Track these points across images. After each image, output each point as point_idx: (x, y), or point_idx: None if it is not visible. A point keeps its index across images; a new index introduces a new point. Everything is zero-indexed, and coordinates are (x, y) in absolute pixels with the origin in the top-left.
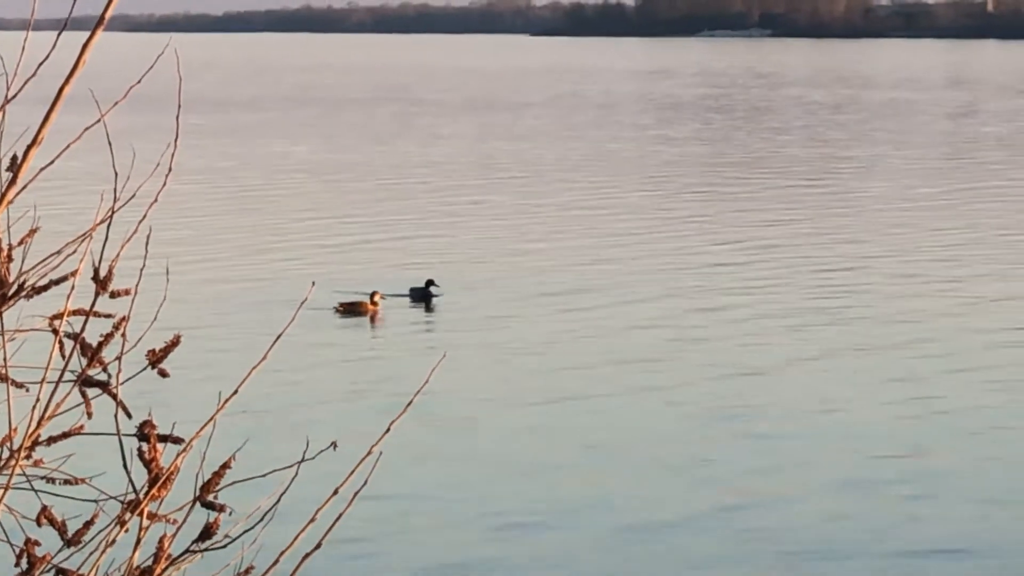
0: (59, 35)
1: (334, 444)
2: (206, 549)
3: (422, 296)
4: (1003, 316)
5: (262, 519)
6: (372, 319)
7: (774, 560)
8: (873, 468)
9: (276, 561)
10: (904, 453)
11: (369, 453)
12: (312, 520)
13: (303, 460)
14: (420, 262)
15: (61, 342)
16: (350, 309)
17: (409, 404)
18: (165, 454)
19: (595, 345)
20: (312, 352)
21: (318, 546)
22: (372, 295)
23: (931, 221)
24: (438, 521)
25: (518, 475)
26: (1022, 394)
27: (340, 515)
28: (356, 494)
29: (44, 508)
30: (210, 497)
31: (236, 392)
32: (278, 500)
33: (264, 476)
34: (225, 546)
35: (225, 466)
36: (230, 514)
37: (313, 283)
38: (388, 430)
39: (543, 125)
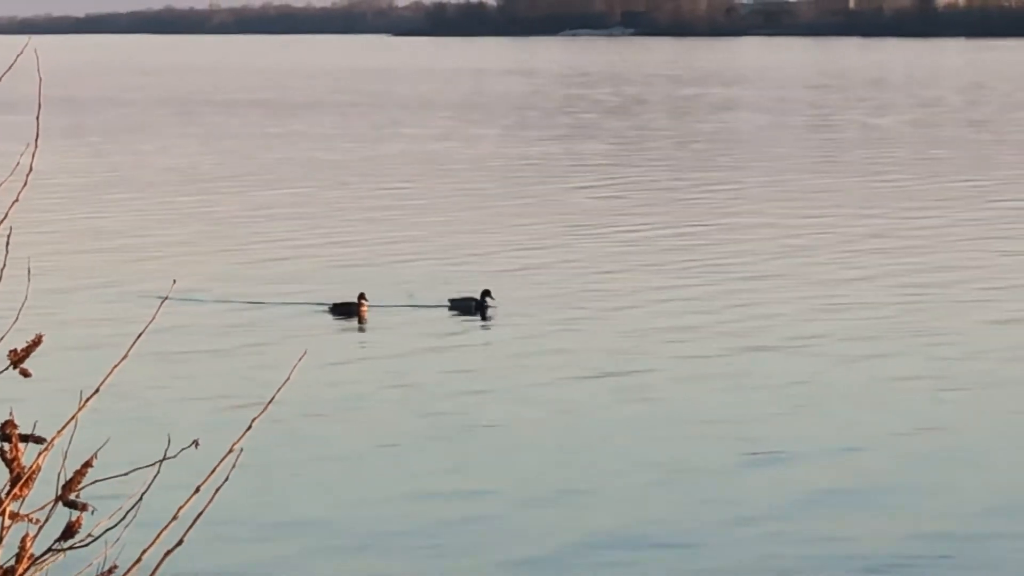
0: None
1: (195, 442)
2: (69, 548)
3: (476, 307)
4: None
5: (124, 518)
6: (361, 320)
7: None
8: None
9: (139, 559)
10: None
11: (231, 451)
12: (174, 518)
13: (164, 458)
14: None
15: None
16: (342, 310)
17: (271, 401)
18: (27, 453)
19: (603, 353)
20: (187, 351)
21: (180, 543)
22: (360, 296)
23: (778, 217)
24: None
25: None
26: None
27: (201, 512)
28: (217, 490)
29: None
30: (72, 496)
31: (97, 391)
32: (140, 498)
33: (126, 475)
34: (87, 544)
35: (87, 465)
36: (92, 513)
37: (175, 281)
38: (250, 427)
39: (356, 126)
